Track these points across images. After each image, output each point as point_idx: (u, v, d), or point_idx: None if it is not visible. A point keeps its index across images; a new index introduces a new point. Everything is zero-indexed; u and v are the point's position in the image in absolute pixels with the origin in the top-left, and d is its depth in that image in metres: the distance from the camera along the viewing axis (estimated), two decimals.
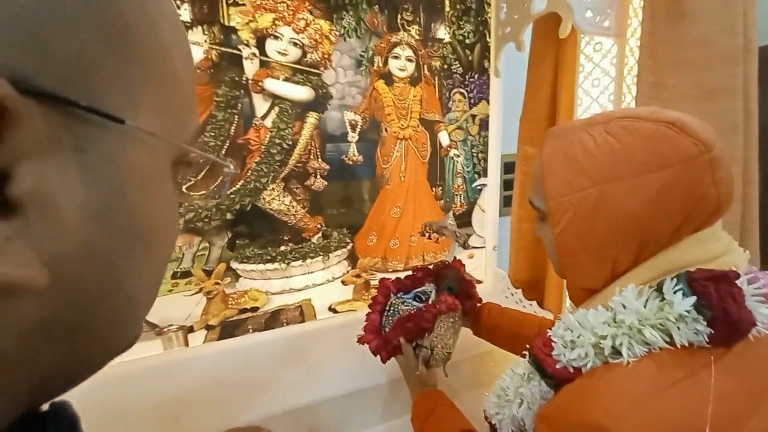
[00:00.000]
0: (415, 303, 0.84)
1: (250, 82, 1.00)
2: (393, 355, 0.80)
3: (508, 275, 1.38)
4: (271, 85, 1.02)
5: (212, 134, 0.98)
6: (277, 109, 1.04)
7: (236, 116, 1.00)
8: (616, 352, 0.39)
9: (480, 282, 1.44)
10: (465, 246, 0.92)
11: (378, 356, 0.81)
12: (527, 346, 0.49)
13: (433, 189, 1.30)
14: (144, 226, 0.20)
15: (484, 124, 1.34)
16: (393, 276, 0.93)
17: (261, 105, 1.03)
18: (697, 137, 0.39)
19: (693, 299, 0.37)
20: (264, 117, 1.04)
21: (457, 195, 1.35)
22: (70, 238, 0.16)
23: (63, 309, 0.17)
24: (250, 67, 1.00)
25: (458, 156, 1.32)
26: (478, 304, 0.87)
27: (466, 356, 1.02)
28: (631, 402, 0.36)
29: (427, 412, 0.69)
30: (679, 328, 0.37)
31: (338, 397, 0.90)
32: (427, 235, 0.91)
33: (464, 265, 0.92)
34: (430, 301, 0.84)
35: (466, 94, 1.29)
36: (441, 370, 0.83)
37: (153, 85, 0.20)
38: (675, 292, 0.38)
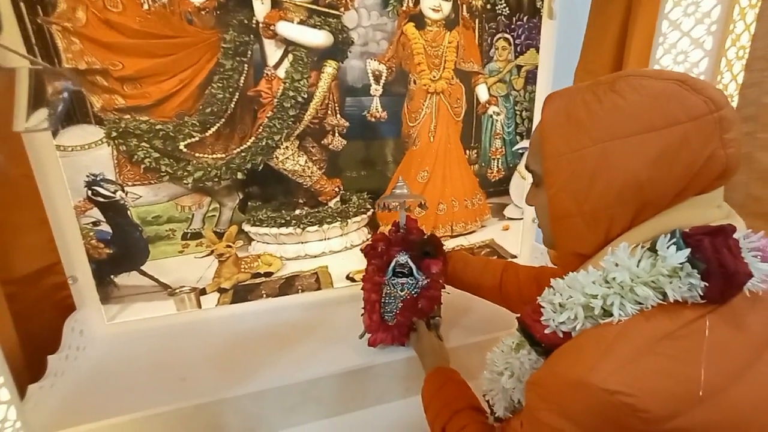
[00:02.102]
0: (401, 280, 0.85)
1: (260, 25, 0.89)
2: (408, 334, 0.85)
3: (547, 252, 1.25)
4: (285, 28, 0.91)
5: (220, 85, 0.89)
6: (290, 56, 0.93)
7: (246, 65, 0.91)
8: (607, 314, 0.38)
9: (514, 257, 1.31)
10: (423, 206, 0.87)
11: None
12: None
13: (467, 152, 1.16)
14: None
15: (531, 77, 1.15)
16: None
17: (273, 52, 0.92)
18: (707, 95, 0.38)
19: (687, 251, 0.36)
20: (276, 66, 0.93)
21: (494, 159, 1.19)
22: None
23: None
24: (261, 9, 0.88)
25: (498, 114, 1.15)
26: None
27: (487, 339, 0.93)
28: (621, 359, 0.34)
29: (437, 386, 0.67)
30: (671, 282, 0.36)
31: (352, 371, 0.84)
32: (381, 209, 0.87)
33: (416, 219, 0.91)
34: (414, 273, 0.84)
35: (511, 40, 1.10)
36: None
37: None
38: (668, 247, 0.37)
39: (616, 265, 0.39)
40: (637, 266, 0.38)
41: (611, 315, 0.37)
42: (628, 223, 0.41)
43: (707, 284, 0.35)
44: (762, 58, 0.52)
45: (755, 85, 0.54)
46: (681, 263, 0.36)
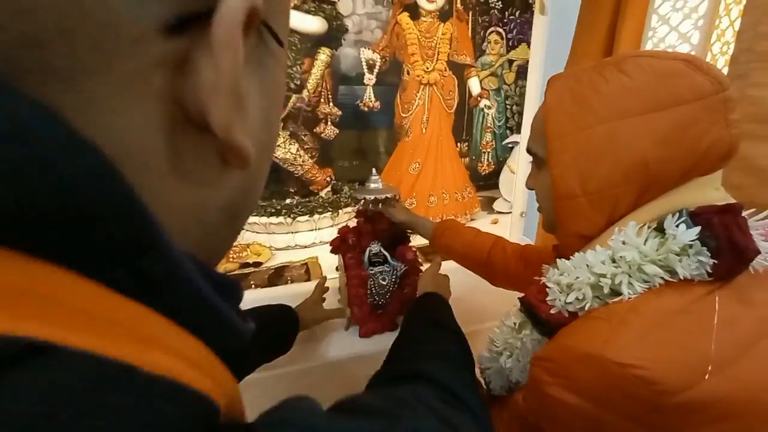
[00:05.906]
0: (379, 269, 0.86)
1: None
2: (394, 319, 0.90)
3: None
4: None
5: None
6: None
7: None
8: (615, 293, 0.38)
9: None
10: (397, 200, 0.86)
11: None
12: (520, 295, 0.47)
13: (458, 144, 1.16)
14: (274, 134, 0.22)
15: (522, 72, 1.16)
16: None
17: None
18: (713, 75, 0.38)
19: (697, 229, 0.36)
20: None
21: (484, 153, 1.20)
22: (255, 133, 0.19)
23: (239, 193, 0.19)
24: None
25: (489, 108, 1.16)
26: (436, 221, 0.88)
27: (490, 326, 0.94)
28: (634, 333, 0.34)
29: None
30: (681, 261, 0.36)
31: (343, 360, 0.84)
32: (360, 205, 0.84)
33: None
34: (389, 260, 0.86)
35: (503, 34, 1.11)
36: None
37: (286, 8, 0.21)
38: (677, 226, 0.37)
39: (624, 243, 0.39)
40: (644, 245, 0.38)
41: (619, 294, 0.38)
42: (632, 203, 0.41)
43: (716, 261, 0.35)
44: (747, 50, 0.54)
45: (740, 77, 0.56)
46: (691, 241, 0.36)
